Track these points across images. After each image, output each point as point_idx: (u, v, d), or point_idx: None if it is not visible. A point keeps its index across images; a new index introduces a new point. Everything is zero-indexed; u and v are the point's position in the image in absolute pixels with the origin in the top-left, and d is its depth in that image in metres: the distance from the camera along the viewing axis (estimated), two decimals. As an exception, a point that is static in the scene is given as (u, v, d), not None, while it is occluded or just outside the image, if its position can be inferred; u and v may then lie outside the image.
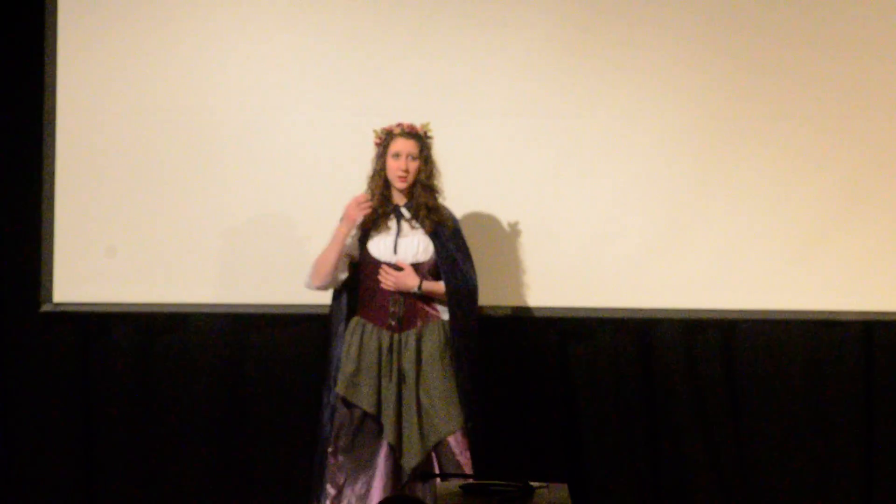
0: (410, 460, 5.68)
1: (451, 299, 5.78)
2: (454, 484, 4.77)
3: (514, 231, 6.51)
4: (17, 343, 6.59)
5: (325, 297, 6.34)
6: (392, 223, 5.83)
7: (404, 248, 5.80)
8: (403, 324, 5.77)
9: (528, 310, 6.54)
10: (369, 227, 5.83)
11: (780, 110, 6.56)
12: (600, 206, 6.56)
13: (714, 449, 6.60)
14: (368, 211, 5.77)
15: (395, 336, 5.76)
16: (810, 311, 6.58)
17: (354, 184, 6.47)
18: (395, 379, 5.73)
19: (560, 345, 6.61)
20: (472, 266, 5.89)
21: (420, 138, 5.81)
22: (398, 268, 5.77)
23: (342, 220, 5.81)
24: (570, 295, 6.49)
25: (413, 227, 5.82)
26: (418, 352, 5.75)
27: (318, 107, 6.54)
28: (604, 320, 6.57)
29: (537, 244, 6.52)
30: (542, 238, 6.51)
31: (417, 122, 5.85)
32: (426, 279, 5.79)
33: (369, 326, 5.79)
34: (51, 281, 6.54)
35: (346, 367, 5.77)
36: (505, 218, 6.51)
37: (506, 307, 6.52)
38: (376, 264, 5.80)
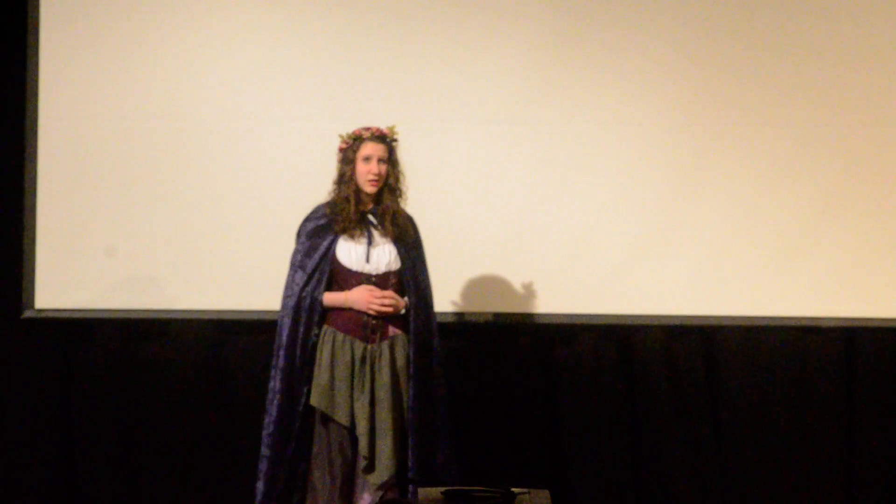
0: (382, 475, 5.54)
1: (417, 314, 5.67)
2: (436, 490, 4.77)
3: (496, 237, 6.52)
4: (-1, 349, 6.60)
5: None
6: (363, 231, 5.69)
7: (377, 257, 5.67)
8: (379, 334, 5.65)
9: (509, 316, 6.55)
10: (338, 234, 5.68)
11: (761, 117, 6.58)
12: (582, 212, 6.57)
13: (695, 455, 6.61)
14: (390, 311, 5.64)
15: (369, 347, 5.63)
16: (791, 318, 6.59)
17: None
18: (367, 390, 5.58)
19: (542, 351, 6.62)
20: (427, 275, 5.78)
21: (387, 141, 5.71)
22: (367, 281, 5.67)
23: (352, 300, 5.61)
24: (552, 301, 6.50)
25: (383, 236, 5.69)
26: (392, 363, 5.64)
27: (303, 114, 6.54)
28: (585, 326, 6.58)
29: (519, 250, 6.52)
30: (523, 244, 6.52)
31: (385, 126, 5.74)
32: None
33: (340, 336, 5.63)
34: (33, 287, 6.52)
35: (320, 378, 5.61)
36: (486, 224, 6.51)
37: (487, 313, 6.53)
38: (347, 273, 5.66)
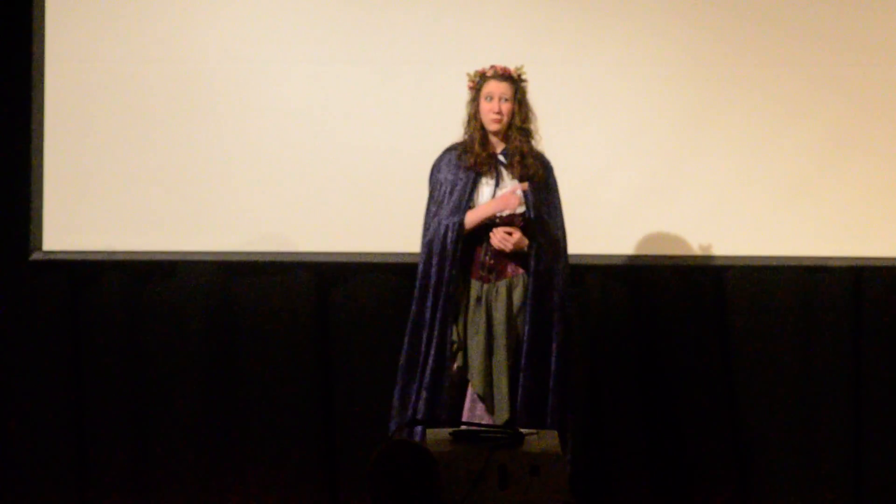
0: (502, 415, 5.55)
1: (539, 255, 5.63)
2: (445, 431, 4.78)
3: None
4: (7, 291, 6.58)
5: (311, 245, 6.39)
6: (493, 172, 5.68)
7: None
8: (495, 273, 5.66)
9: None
10: (472, 172, 5.66)
11: (769, 57, 6.55)
12: (590, 154, 6.55)
13: (704, 395, 6.62)
14: (510, 244, 5.59)
15: (485, 287, 5.63)
16: (800, 257, 6.60)
17: (344, 132, 6.50)
18: (483, 330, 5.60)
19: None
20: (560, 217, 5.76)
21: (513, 80, 5.70)
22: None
23: (492, 205, 5.61)
24: (560, 241, 6.50)
25: (513, 177, 5.67)
26: (509, 302, 5.64)
27: (308, 55, 6.51)
28: (594, 267, 6.58)
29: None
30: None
31: (512, 66, 5.74)
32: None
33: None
34: (40, 229, 6.52)
35: None
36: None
37: (496, 254, 6.53)
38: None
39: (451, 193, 5.68)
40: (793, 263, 6.61)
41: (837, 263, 6.62)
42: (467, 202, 5.65)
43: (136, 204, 6.52)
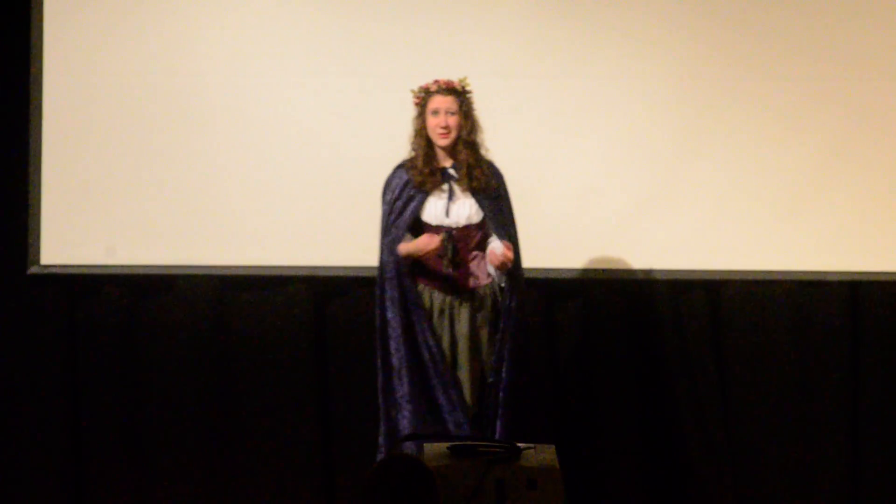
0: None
1: (514, 268, 5.68)
2: (442, 445, 4.78)
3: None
4: (5, 305, 6.59)
5: (308, 259, 6.39)
6: (444, 186, 5.71)
7: (456, 211, 5.70)
8: (457, 286, 5.69)
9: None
10: (422, 190, 5.71)
11: (765, 71, 6.56)
12: (586, 167, 6.56)
13: (700, 407, 6.63)
14: (436, 245, 5.61)
15: (448, 298, 5.68)
16: (796, 271, 6.60)
17: (341, 145, 6.51)
18: (446, 342, 5.64)
19: (546, 305, 6.62)
20: (514, 226, 5.81)
21: (458, 93, 5.73)
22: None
23: (418, 247, 5.65)
24: (557, 255, 6.50)
25: (464, 189, 5.71)
26: (472, 314, 5.67)
27: (306, 69, 6.53)
28: (590, 281, 6.58)
29: (523, 204, 6.49)
30: (527, 199, 6.50)
31: (455, 79, 5.78)
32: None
33: (420, 286, 5.68)
34: (38, 243, 6.53)
35: None
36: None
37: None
38: (429, 228, 5.70)
39: (401, 213, 5.73)
40: (789, 278, 6.61)
41: (834, 278, 6.62)
42: (413, 221, 5.70)
43: (134, 218, 6.52)
